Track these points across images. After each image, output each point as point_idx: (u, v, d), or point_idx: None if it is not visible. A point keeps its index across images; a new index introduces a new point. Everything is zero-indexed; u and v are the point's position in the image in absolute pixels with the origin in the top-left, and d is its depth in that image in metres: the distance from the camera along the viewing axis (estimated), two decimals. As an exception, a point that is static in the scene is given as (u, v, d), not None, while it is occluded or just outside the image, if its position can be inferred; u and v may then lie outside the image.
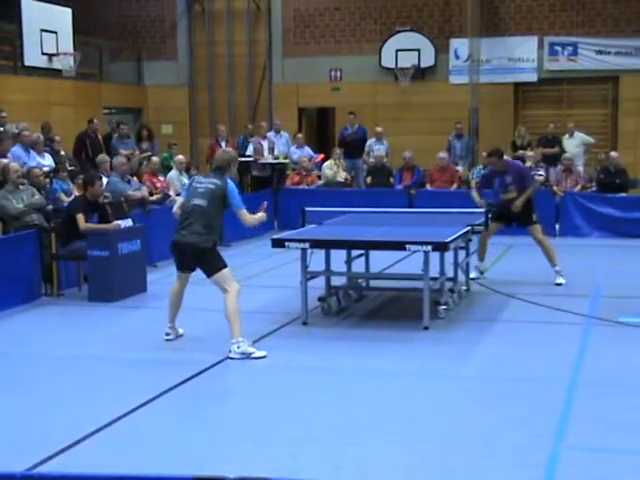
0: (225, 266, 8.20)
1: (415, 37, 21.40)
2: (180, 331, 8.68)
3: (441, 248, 8.86)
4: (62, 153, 15.41)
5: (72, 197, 12.43)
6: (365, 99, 21.62)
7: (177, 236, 8.36)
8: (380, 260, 11.28)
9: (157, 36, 23.50)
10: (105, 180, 13.67)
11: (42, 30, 17.96)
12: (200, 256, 8.19)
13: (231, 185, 8.21)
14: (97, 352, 8.24)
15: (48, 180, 12.94)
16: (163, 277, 12.13)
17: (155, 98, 23.17)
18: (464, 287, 10.70)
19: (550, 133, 19.25)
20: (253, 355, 7.89)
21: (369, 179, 18.13)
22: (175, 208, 8.64)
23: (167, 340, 8.51)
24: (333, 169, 18.14)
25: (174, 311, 8.62)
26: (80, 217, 10.70)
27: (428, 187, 17.34)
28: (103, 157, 14.83)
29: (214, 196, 8.10)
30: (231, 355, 7.89)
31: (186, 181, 15.52)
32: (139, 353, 8.21)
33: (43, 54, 18.13)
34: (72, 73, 18.83)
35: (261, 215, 8.45)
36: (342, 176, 18.15)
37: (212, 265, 8.19)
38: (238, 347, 7.89)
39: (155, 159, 15.65)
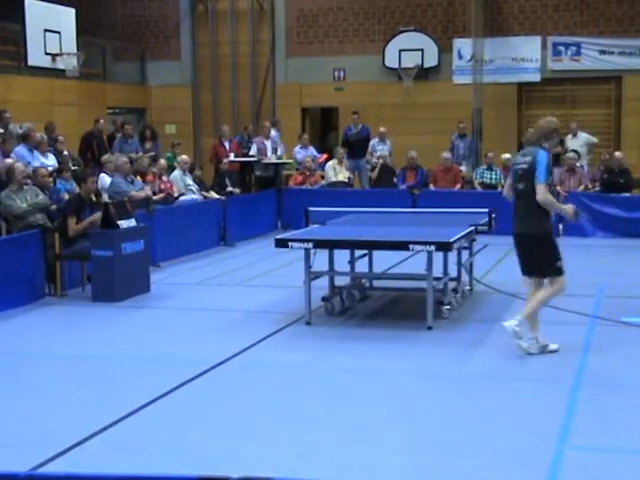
0: (560, 259, 7.76)
1: (418, 37, 21.42)
2: (553, 346, 7.88)
3: (444, 248, 8.85)
4: (65, 153, 15.43)
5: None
6: (368, 99, 21.63)
7: (513, 226, 7.97)
8: (383, 260, 11.28)
9: (161, 36, 23.53)
10: (108, 179, 13.72)
11: (46, 30, 17.98)
12: (531, 245, 7.75)
13: (540, 156, 7.54)
14: (100, 352, 8.24)
15: (51, 180, 12.96)
16: (166, 277, 12.16)
17: (159, 98, 23.20)
18: (468, 287, 10.69)
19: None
20: (550, 349, 7.86)
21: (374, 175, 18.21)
22: (505, 190, 8.26)
23: (528, 354, 7.77)
24: (336, 169, 18.13)
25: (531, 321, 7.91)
26: (71, 221, 10.70)
27: (431, 187, 17.34)
28: (108, 157, 14.86)
29: (529, 176, 7.57)
30: (530, 350, 7.79)
31: (189, 181, 15.54)
32: (142, 353, 8.22)
33: (47, 54, 18.15)
34: (76, 73, 18.85)
35: (570, 207, 7.87)
36: (345, 176, 18.15)
37: (544, 257, 7.73)
38: (537, 342, 7.84)
39: (162, 162, 15.68)
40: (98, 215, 10.82)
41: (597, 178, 16.88)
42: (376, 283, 10.96)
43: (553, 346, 7.91)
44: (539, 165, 7.52)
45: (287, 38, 22.66)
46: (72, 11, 19.04)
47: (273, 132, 19.41)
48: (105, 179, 13.80)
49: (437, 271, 9.39)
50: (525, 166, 7.64)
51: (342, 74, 22.35)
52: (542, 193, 7.53)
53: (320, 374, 7.44)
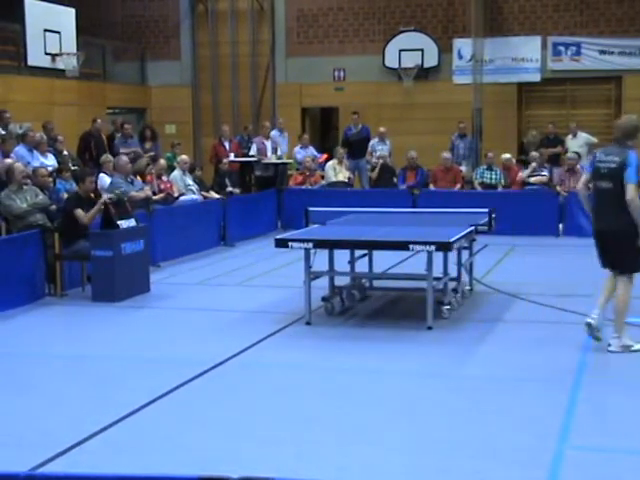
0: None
1: (418, 37, 21.41)
2: (637, 346, 7.92)
3: (444, 248, 8.85)
4: (65, 153, 15.42)
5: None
6: (368, 99, 21.62)
7: (594, 223, 8.03)
8: (383, 260, 11.28)
9: (161, 36, 23.53)
10: (108, 179, 13.71)
11: (45, 30, 17.98)
12: (617, 243, 7.76)
13: (631, 157, 7.62)
14: (100, 352, 8.24)
15: (51, 180, 12.96)
16: (166, 277, 12.16)
17: (159, 98, 23.19)
18: (468, 287, 10.69)
19: (552, 133, 19.27)
20: (633, 348, 7.87)
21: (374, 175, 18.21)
22: (579, 185, 8.30)
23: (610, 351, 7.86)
24: (336, 169, 18.12)
25: (603, 299, 8.10)
26: (79, 212, 10.75)
27: (431, 187, 17.34)
28: (107, 157, 14.85)
29: (616, 175, 7.63)
30: (610, 349, 7.87)
31: (189, 181, 15.54)
32: (142, 353, 8.21)
33: (46, 54, 18.15)
34: (75, 73, 18.84)
35: None
36: (345, 176, 18.14)
37: (628, 253, 7.75)
38: (620, 341, 7.87)
39: (162, 162, 15.67)
40: (105, 197, 10.92)
41: (597, 178, 16.85)
42: (376, 283, 10.95)
43: (637, 346, 7.93)
44: (630, 166, 7.60)
45: (287, 38, 22.65)
46: (72, 11, 19.04)
47: (273, 132, 19.41)
48: (104, 179, 13.79)
49: (437, 271, 9.39)
50: (613, 165, 7.70)
51: (342, 74, 22.34)
52: (631, 193, 7.60)
53: (320, 374, 7.44)
